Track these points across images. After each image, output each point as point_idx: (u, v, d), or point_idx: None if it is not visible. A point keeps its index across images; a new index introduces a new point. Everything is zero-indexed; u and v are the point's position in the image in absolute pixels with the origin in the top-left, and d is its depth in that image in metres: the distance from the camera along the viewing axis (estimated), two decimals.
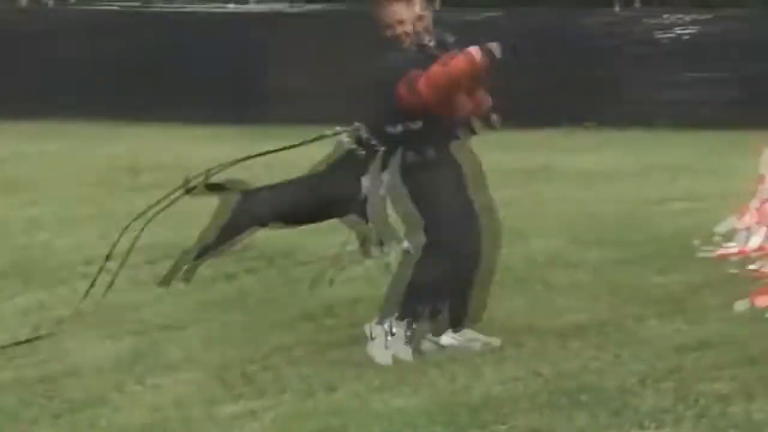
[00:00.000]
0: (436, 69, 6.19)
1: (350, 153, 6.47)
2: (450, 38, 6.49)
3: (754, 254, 8.86)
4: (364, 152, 6.44)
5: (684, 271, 8.41)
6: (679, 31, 20.65)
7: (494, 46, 6.21)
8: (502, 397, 5.68)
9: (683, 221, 10.59)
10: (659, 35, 20.60)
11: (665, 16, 20.79)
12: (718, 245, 9.23)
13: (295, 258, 8.92)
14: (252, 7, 23.24)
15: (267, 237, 9.57)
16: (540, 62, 20.74)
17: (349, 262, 8.02)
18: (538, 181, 13.68)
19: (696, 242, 9.36)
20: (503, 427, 5.29)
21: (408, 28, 6.40)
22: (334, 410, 5.51)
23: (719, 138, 18.51)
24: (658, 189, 12.84)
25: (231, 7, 22.59)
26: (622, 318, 7.12)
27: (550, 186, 13.18)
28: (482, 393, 5.74)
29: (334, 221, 6.77)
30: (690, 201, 11.98)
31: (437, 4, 23.43)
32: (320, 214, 6.70)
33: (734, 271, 8.48)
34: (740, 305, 7.33)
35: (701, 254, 9.03)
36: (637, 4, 21.63)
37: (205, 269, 8.50)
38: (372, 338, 6.36)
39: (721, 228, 9.56)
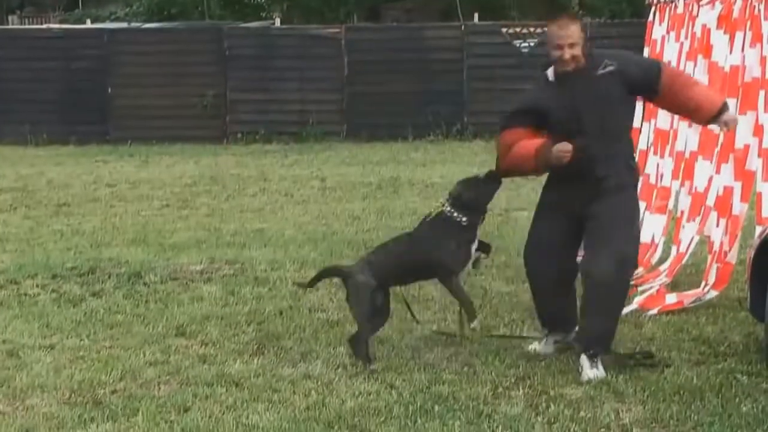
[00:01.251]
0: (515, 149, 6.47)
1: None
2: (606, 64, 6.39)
3: None
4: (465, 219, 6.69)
5: None
6: (519, 44, 21.10)
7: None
8: (356, 411, 5.69)
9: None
10: (501, 49, 21.02)
11: (505, 30, 21.25)
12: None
13: (142, 280, 8.79)
14: (88, 25, 22.98)
15: (112, 259, 9.45)
16: (386, 77, 21.03)
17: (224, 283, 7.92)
18: (384, 194, 13.79)
19: None
20: None
21: (577, 51, 6.30)
22: (188, 431, 5.44)
23: None
24: (503, 199, 13.04)
25: (56, 29, 22.39)
26: (471, 329, 7.19)
27: (397, 199, 13.30)
28: (336, 408, 5.74)
29: None
30: (533, 209, 12.18)
31: (277, 22, 23.63)
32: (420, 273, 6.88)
33: None
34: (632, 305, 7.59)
35: None
36: (476, 20, 22.11)
37: (50, 293, 8.34)
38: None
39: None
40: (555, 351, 6.62)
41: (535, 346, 6.69)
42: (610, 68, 6.30)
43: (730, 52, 7.89)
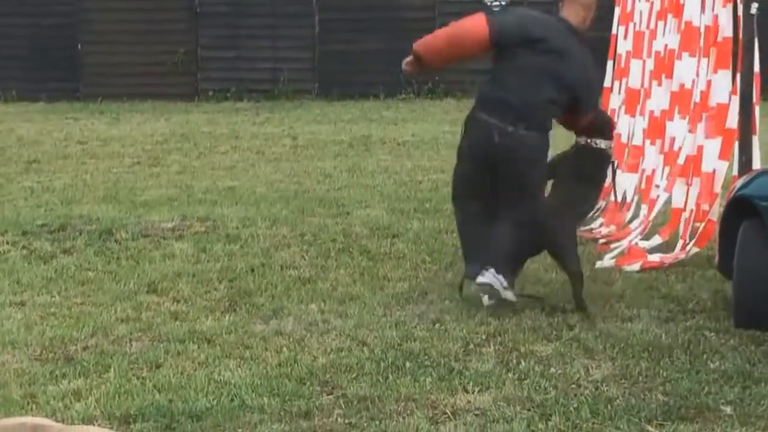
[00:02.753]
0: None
1: None
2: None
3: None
4: None
5: None
6: (490, 3, 21.02)
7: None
8: (328, 367, 5.71)
9: None
10: (473, 7, 20.94)
11: None
12: None
13: (113, 237, 8.76)
14: None
15: (83, 216, 9.41)
16: (358, 35, 20.94)
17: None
18: (355, 152, 13.78)
19: None
20: (329, 397, 5.31)
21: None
22: (160, 387, 5.44)
23: None
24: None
25: None
26: (443, 286, 7.24)
27: (368, 157, 13.29)
28: (308, 364, 5.75)
29: None
30: None
31: None
32: None
33: None
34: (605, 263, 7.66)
35: None
36: None
37: (20, 250, 8.30)
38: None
39: None
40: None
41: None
42: None
43: (702, 12, 7.90)
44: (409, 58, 6.87)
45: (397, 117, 17.87)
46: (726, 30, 7.68)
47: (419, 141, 14.75)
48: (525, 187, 6.65)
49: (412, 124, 16.87)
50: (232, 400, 5.25)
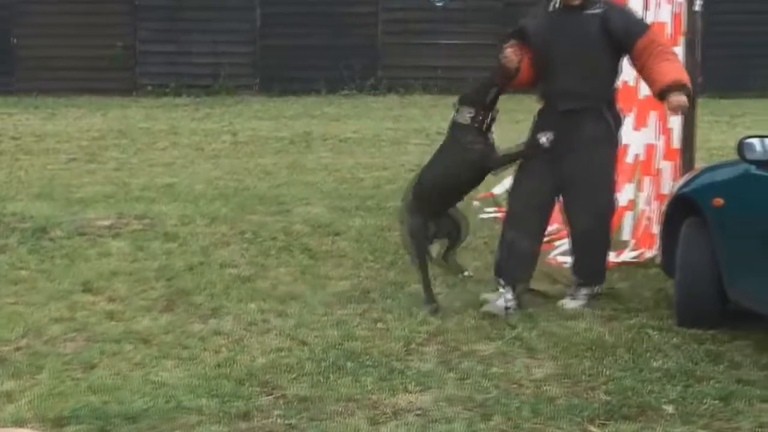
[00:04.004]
0: None
1: None
2: None
3: None
4: None
5: None
6: (433, 1, 20.99)
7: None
8: (267, 367, 5.62)
9: None
10: (416, 2, 20.92)
11: None
12: (498, 206, 9.43)
13: (48, 235, 8.57)
14: None
15: (17, 213, 9.20)
16: (300, 30, 20.81)
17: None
18: (296, 149, 13.66)
19: (476, 203, 9.54)
20: (269, 398, 5.23)
21: None
22: (94, 388, 5.31)
23: None
24: (416, 155, 13.02)
25: None
26: (385, 285, 7.17)
27: (309, 154, 13.18)
28: (247, 364, 5.66)
29: None
30: None
31: None
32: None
33: None
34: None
35: (482, 216, 9.21)
36: None
37: None
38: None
39: (500, 189, 9.75)
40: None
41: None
42: (597, 11, 6.59)
43: (647, 9, 7.90)
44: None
45: (339, 113, 17.77)
46: (668, 27, 7.69)
47: (361, 138, 14.66)
48: None
49: (354, 120, 16.78)
50: (168, 401, 5.14)
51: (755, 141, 5.83)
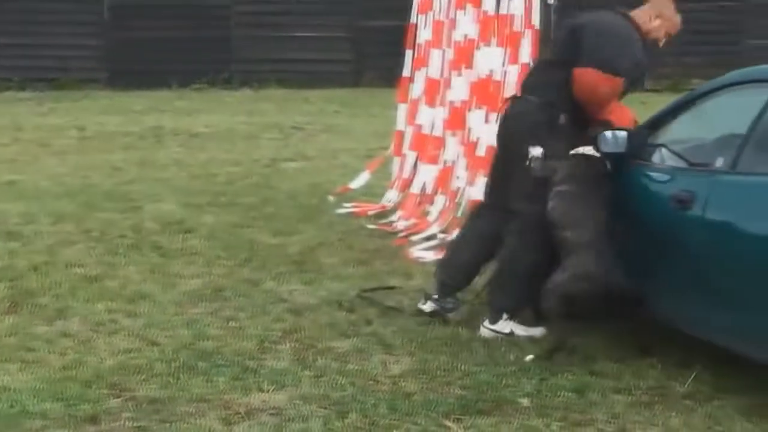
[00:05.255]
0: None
1: None
2: None
3: (389, 209, 9.07)
4: None
5: (302, 232, 8.45)
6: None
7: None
8: (116, 369, 5.43)
9: (297, 181, 10.70)
10: None
11: None
12: (354, 201, 9.38)
13: None
14: None
15: None
16: (150, 22, 20.39)
17: None
18: (146, 144, 13.37)
19: (331, 199, 9.47)
20: (118, 400, 5.05)
21: None
22: None
23: (328, 97, 18.96)
24: (271, 149, 12.91)
25: None
26: (238, 282, 7.03)
27: (160, 150, 12.91)
28: (95, 366, 5.46)
29: None
30: (302, 160, 12.13)
31: None
32: None
33: (371, 226, 8.63)
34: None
35: (340, 210, 9.13)
36: None
37: None
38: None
39: (356, 184, 9.70)
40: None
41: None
42: None
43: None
44: None
45: (190, 107, 17.47)
46: (520, 20, 7.75)
47: (214, 132, 14.44)
48: None
49: (206, 114, 16.52)
50: (12, 406, 4.94)
51: (608, 134, 5.88)
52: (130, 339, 5.91)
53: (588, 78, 5.99)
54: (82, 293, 6.72)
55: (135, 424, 4.80)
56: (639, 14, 6.24)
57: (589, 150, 5.93)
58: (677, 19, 6.29)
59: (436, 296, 6.36)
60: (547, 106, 6.09)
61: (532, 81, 6.36)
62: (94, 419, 4.85)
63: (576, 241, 5.72)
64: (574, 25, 6.21)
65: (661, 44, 6.28)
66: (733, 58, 20.16)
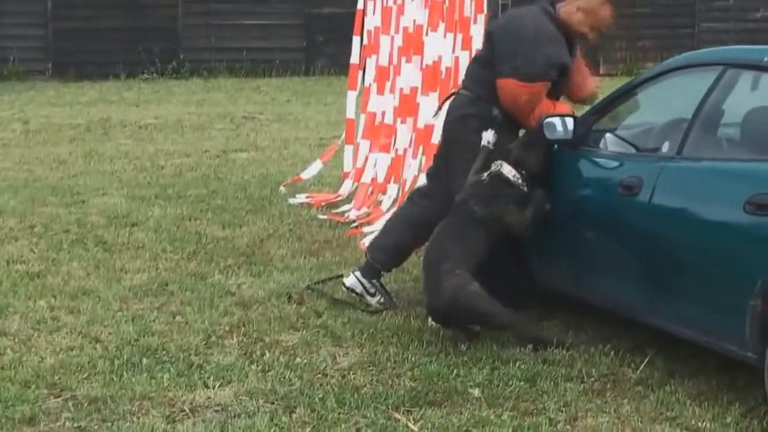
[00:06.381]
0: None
1: None
2: None
3: (340, 199, 8.95)
4: None
5: (251, 223, 8.32)
6: None
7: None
8: (57, 368, 5.28)
9: (248, 171, 10.55)
10: None
11: None
12: (306, 191, 9.26)
13: None
14: None
15: None
16: (95, 12, 20.07)
17: None
18: (93, 137, 13.15)
19: (283, 189, 9.33)
20: (58, 400, 4.92)
21: None
22: None
23: (280, 86, 18.80)
24: (221, 140, 12.75)
25: None
26: (184, 276, 6.88)
27: (107, 142, 12.70)
28: (34, 366, 5.30)
29: None
30: (253, 151, 11.99)
31: None
32: None
33: (324, 217, 8.51)
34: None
35: (294, 201, 8.99)
36: None
37: None
38: None
39: (308, 173, 9.58)
40: None
41: None
42: None
43: None
44: None
45: (139, 98, 17.24)
46: (470, 5, 7.67)
47: (162, 123, 14.25)
48: None
49: (155, 105, 16.31)
50: None
51: (556, 120, 5.80)
52: (71, 337, 5.76)
53: (508, 89, 5.98)
54: (23, 290, 6.54)
55: (75, 425, 4.69)
56: (565, 8, 6.06)
57: (505, 169, 5.83)
58: (604, 12, 6.03)
59: (359, 272, 6.32)
60: (479, 101, 6.08)
61: (466, 77, 6.38)
62: (32, 420, 4.73)
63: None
64: (489, 30, 6.26)
65: (589, 39, 6.08)
66: (687, 41, 20.27)
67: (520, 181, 5.81)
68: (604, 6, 6.04)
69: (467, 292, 5.57)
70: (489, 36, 6.24)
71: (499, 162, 5.86)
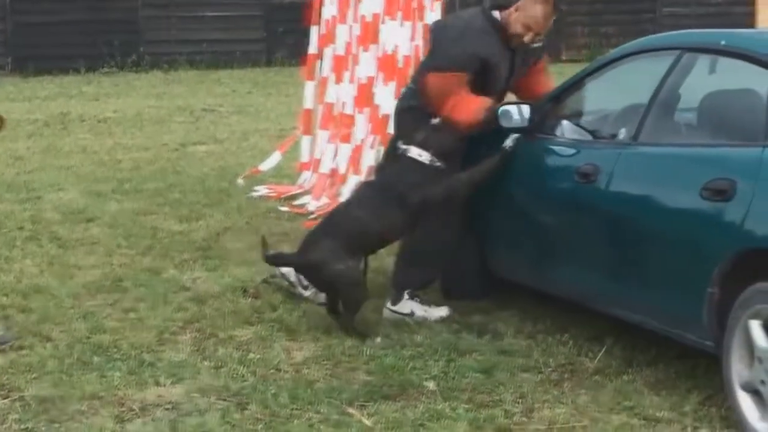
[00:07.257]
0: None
1: None
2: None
3: (299, 191, 8.86)
4: None
5: (208, 217, 8.22)
6: None
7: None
8: (5, 368, 5.17)
9: (206, 164, 10.45)
10: None
11: None
12: (264, 183, 9.17)
13: None
14: None
15: None
16: (54, 5, 19.85)
17: None
18: (52, 132, 12.99)
19: (241, 182, 9.22)
20: (5, 401, 4.82)
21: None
22: None
23: (241, 78, 18.67)
24: (180, 134, 12.62)
25: None
26: (139, 272, 6.78)
27: (65, 137, 12.55)
28: None
29: None
30: (212, 143, 11.88)
31: None
32: None
33: (283, 209, 8.42)
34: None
35: (253, 194, 8.90)
36: None
37: None
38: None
39: (267, 165, 9.48)
40: None
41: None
42: (539, 44, 6.02)
43: None
44: None
45: (98, 92, 17.07)
46: None
47: (122, 117, 14.10)
48: None
49: (114, 99, 16.15)
50: None
51: (512, 108, 5.73)
52: (21, 336, 5.64)
53: (427, 81, 5.94)
54: None
55: (22, 426, 4.58)
56: (507, 10, 5.94)
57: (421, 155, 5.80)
58: (537, 12, 5.81)
59: None
60: (420, 93, 6.01)
61: (416, 69, 6.38)
62: None
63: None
64: (430, 27, 6.32)
65: (526, 40, 5.90)
66: (649, 26, 20.27)
67: (427, 161, 5.77)
68: (538, 4, 5.89)
69: (338, 271, 5.57)
70: (429, 33, 6.25)
71: (405, 146, 5.85)
